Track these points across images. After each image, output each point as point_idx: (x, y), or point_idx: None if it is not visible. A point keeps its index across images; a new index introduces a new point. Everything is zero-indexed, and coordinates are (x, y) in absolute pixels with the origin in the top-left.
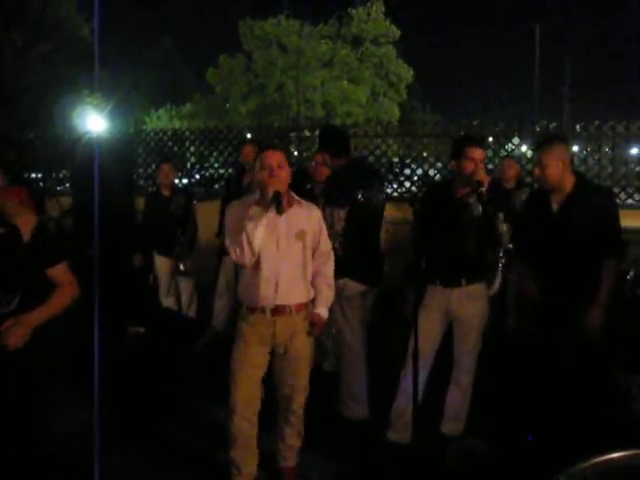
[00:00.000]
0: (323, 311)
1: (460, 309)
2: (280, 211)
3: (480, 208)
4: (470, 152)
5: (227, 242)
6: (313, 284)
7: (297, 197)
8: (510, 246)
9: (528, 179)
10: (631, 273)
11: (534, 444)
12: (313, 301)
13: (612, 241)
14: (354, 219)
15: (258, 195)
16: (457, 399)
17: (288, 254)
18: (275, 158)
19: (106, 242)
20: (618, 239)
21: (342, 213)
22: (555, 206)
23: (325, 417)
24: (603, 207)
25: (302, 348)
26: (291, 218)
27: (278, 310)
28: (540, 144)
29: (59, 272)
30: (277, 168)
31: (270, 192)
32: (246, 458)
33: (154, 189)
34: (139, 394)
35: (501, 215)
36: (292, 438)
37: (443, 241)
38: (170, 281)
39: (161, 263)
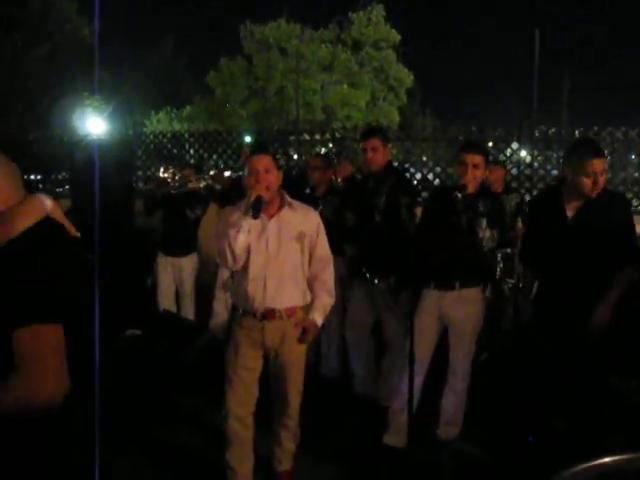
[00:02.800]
0: (318, 317)
1: (453, 313)
2: (255, 216)
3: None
4: (462, 156)
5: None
6: (311, 289)
7: (291, 200)
8: (508, 251)
9: (527, 184)
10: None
11: (530, 448)
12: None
13: (631, 250)
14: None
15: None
16: (452, 404)
17: (278, 256)
18: (262, 163)
19: (104, 245)
20: (637, 248)
21: (405, 200)
22: (570, 212)
23: (321, 421)
24: (622, 214)
25: (293, 354)
26: (282, 220)
27: (268, 314)
28: (599, 153)
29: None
30: (264, 173)
31: (252, 197)
32: (241, 460)
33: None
34: (135, 396)
35: (483, 221)
36: (288, 441)
37: (439, 243)
38: (169, 282)
39: (164, 263)
